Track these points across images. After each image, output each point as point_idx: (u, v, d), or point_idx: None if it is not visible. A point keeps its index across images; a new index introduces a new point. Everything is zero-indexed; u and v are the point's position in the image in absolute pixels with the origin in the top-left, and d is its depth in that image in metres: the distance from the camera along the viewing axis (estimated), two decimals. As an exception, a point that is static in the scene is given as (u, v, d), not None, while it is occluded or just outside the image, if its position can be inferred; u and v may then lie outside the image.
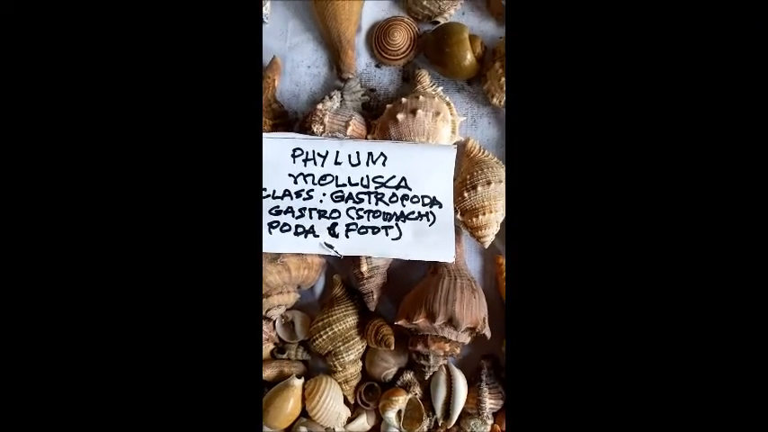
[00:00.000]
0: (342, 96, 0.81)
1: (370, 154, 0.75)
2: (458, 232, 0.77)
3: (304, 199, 0.75)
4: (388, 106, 0.78)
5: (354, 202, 0.75)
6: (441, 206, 0.74)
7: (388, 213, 0.75)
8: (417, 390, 0.77)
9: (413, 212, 0.75)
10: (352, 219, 0.75)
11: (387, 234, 0.75)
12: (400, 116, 0.75)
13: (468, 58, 0.78)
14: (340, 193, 0.75)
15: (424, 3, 0.81)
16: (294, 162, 0.76)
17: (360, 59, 0.86)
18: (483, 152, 0.78)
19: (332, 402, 0.76)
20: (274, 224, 0.75)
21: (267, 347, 0.82)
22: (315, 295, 0.84)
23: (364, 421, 0.79)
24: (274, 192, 0.76)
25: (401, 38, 0.82)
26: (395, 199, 0.75)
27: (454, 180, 0.75)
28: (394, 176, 0.75)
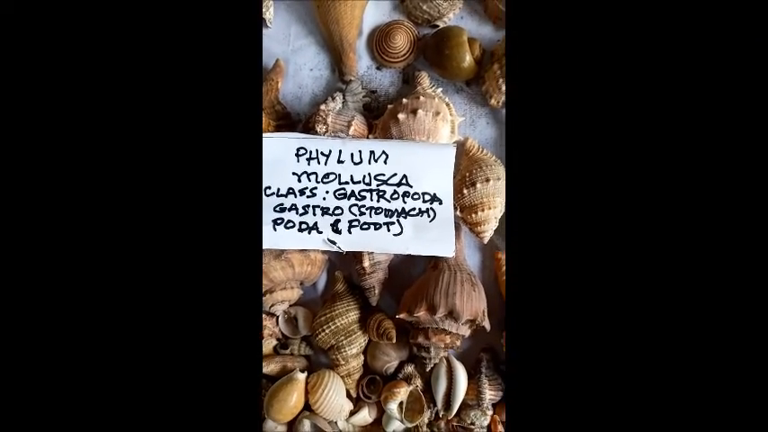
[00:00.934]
0: (344, 98, 0.83)
1: (371, 152, 0.77)
2: (457, 228, 0.79)
3: (308, 197, 0.77)
4: (390, 106, 0.81)
5: (357, 199, 0.77)
6: (441, 203, 0.76)
7: (390, 210, 0.77)
8: (418, 382, 0.79)
9: (414, 209, 0.77)
10: (355, 215, 0.77)
11: (388, 230, 0.77)
12: (401, 116, 0.77)
13: (467, 60, 0.80)
14: (343, 191, 0.77)
15: (424, 7, 0.84)
16: (298, 161, 0.78)
17: (361, 62, 0.88)
18: (482, 151, 0.80)
19: (334, 396, 0.78)
20: (278, 221, 0.77)
21: (270, 343, 0.83)
22: (317, 291, 0.86)
23: (366, 414, 0.80)
24: (278, 190, 0.78)
25: (401, 41, 0.85)
26: (396, 196, 0.77)
27: (454, 177, 0.77)
28: (395, 174, 0.77)
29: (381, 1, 0.88)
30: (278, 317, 0.83)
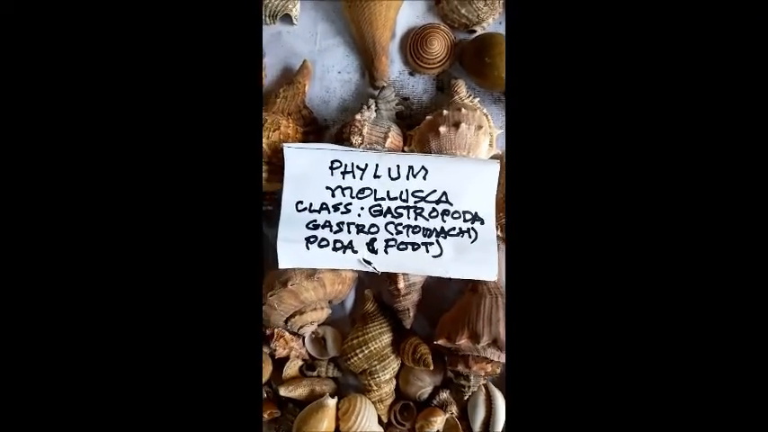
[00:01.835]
0: (377, 105, 0.78)
1: (410, 167, 0.73)
2: (498, 249, 0.76)
3: (342, 213, 0.73)
4: (428, 117, 0.76)
5: (393, 216, 0.73)
6: (483, 222, 0.72)
7: (428, 229, 0.73)
8: (454, 409, 0.76)
9: (454, 228, 0.73)
10: (392, 234, 0.73)
11: (427, 251, 0.72)
12: (443, 129, 0.73)
13: (511, 70, 0.76)
14: (378, 208, 0.73)
15: (462, 11, 0.79)
16: (332, 174, 0.73)
17: (392, 66, 0.83)
18: (524, 168, 0.76)
19: (367, 423, 0.74)
20: (312, 239, 0.72)
21: (296, 364, 0.79)
22: (345, 310, 0.81)
23: (398, 441, 0.77)
24: (311, 205, 0.73)
25: (438, 46, 0.80)
26: (435, 214, 0.73)
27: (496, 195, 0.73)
28: (435, 191, 0.73)
29: (416, 1, 0.83)
30: (304, 337, 0.78)
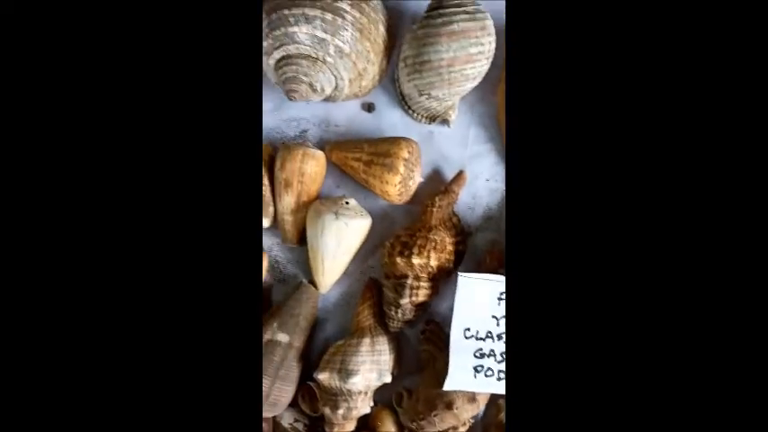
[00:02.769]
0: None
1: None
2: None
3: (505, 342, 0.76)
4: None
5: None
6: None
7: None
8: None
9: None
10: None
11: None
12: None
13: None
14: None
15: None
16: (499, 304, 0.76)
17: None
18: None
19: None
20: (479, 368, 0.76)
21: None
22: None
23: None
24: (477, 332, 0.76)
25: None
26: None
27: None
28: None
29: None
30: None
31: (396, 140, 0.78)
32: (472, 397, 0.77)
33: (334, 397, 0.77)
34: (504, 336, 0.76)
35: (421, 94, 0.78)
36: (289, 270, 0.86)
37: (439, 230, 0.78)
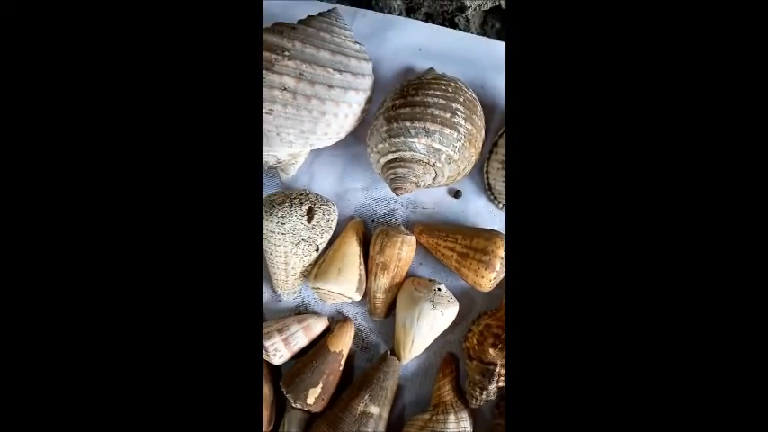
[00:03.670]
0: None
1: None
2: None
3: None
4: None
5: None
6: None
7: None
8: None
9: None
10: None
11: None
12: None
13: None
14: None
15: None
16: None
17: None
18: None
19: None
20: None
21: None
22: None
23: None
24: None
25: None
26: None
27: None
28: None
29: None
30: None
31: (491, 237, 0.84)
32: None
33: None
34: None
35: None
36: (371, 339, 0.92)
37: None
